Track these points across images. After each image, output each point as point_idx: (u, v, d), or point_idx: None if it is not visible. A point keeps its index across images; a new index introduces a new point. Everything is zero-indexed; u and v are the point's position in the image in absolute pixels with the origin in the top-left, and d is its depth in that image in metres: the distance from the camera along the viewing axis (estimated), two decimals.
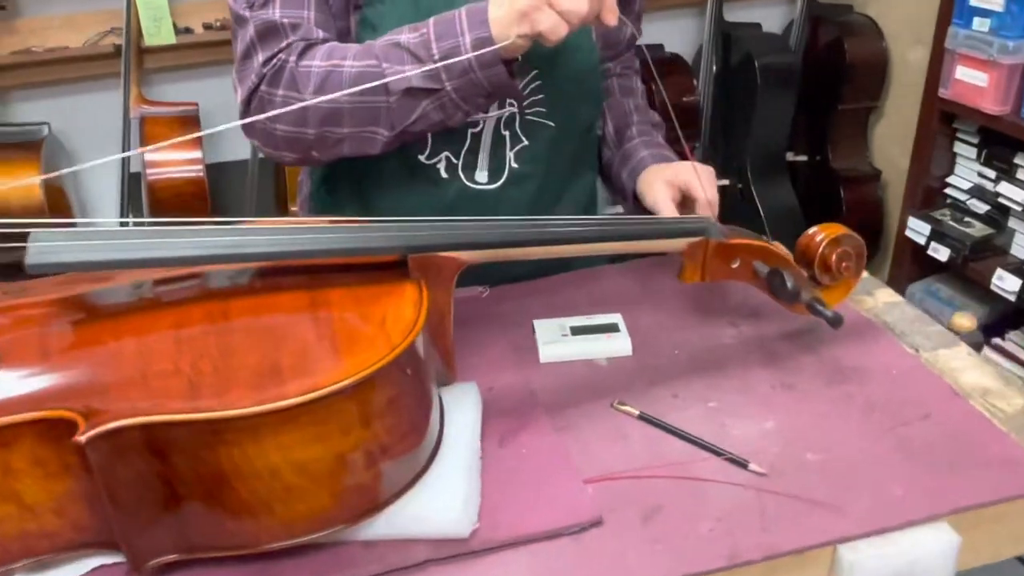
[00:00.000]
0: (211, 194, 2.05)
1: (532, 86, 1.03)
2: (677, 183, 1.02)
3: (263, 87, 0.90)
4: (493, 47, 0.84)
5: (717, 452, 0.83)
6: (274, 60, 0.90)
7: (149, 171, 2.01)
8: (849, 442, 0.85)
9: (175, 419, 0.64)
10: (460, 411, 0.85)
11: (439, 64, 0.85)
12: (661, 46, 2.53)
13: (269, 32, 0.90)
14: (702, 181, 0.99)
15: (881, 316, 1.06)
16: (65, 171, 1.79)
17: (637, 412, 0.89)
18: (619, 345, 1.00)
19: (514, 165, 1.06)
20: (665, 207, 1.00)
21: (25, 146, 1.96)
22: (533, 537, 0.75)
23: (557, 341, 1.00)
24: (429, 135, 1.01)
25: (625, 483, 0.81)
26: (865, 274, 1.15)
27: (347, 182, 1.09)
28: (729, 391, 0.93)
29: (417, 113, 0.89)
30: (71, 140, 2.12)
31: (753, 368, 0.96)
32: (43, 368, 0.69)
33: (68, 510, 0.68)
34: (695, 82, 2.42)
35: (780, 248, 0.94)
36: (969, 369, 0.96)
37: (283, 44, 0.90)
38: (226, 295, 0.77)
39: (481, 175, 1.05)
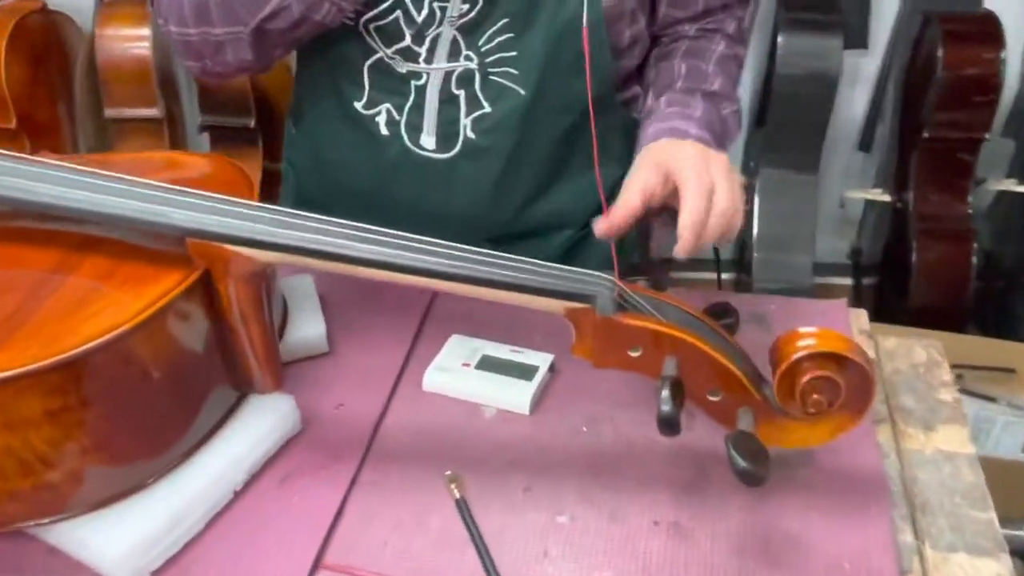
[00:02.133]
0: None
1: (500, 39, 0.80)
2: (664, 168, 0.72)
3: None
4: None
5: None
6: None
7: None
8: None
9: None
10: (247, 430, 0.72)
11: None
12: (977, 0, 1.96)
13: None
14: (698, 183, 0.70)
15: (913, 469, 0.71)
16: None
17: (459, 495, 0.69)
18: (517, 398, 0.78)
19: (470, 135, 0.85)
20: (630, 193, 0.72)
21: None
22: None
23: (452, 370, 0.81)
24: (366, 80, 0.83)
25: None
26: (951, 396, 0.79)
27: (302, 122, 0.95)
28: (598, 505, 0.68)
29: (271, 5, 0.74)
30: None
31: (655, 486, 0.70)
32: None
33: None
34: (1001, 54, 1.84)
35: (717, 348, 0.65)
36: None
37: None
38: None
39: (428, 140, 0.86)
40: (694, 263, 2.41)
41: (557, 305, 0.65)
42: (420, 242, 0.65)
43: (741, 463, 0.60)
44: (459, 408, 0.78)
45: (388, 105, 0.85)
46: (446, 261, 0.64)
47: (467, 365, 0.81)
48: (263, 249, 0.65)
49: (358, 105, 0.86)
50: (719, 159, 0.73)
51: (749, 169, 2.16)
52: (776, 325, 0.87)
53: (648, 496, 0.69)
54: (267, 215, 0.66)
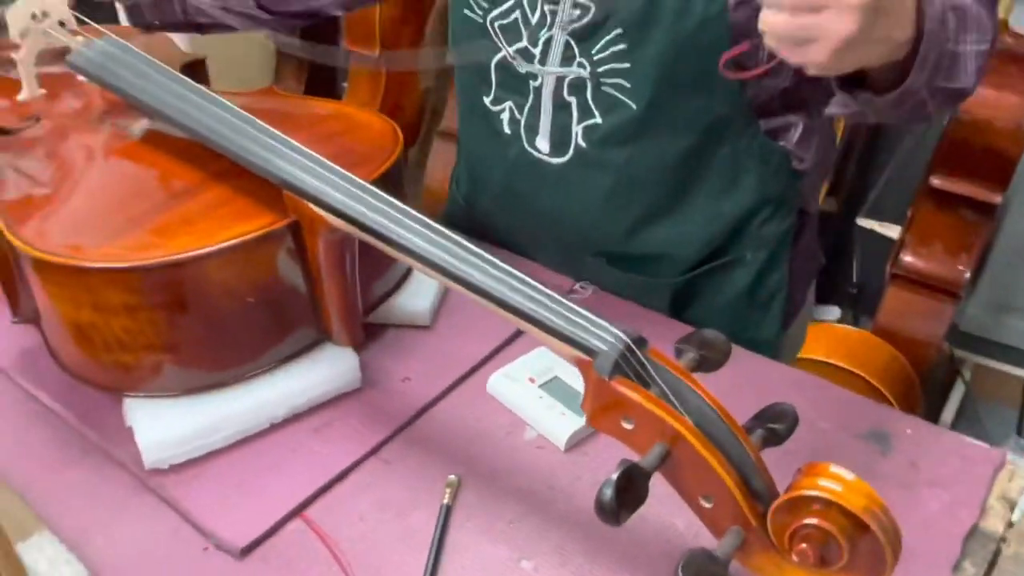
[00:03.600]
0: None
1: (613, 49, 0.75)
2: None
3: None
4: None
5: None
6: None
7: None
8: None
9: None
10: (305, 373, 0.77)
11: None
12: None
13: None
14: None
15: None
16: None
17: (447, 501, 0.69)
18: (559, 430, 0.75)
19: (582, 143, 0.82)
20: None
21: None
22: (182, 509, 0.69)
23: (517, 380, 0.79)
24: (493, 76, 0.84)
25: (323, 555, 0.66)
26: None
27: (460, 111, 0.97)
28: (569, 568, 0.64)
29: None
30: None
31: (640, 572, 0.64)
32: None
33: None
34: None
35: (718, 453, 0.56)
36: None
37: None
38: (154, 143, 0.83)
39: (543, 143, 0.85)
40: (1002, 350, 2.06)
41: (565, 349, 0.61)
42: (466, 249, 0.64)
43: None
44: (505, 419, 0.77)
45: (511, 103, 0.85)
46: (468, 268, 0.63)
47: (532, 381, 0.79)
48: (336, 216, 0.70)
49: (486, 100, 0.88)
50: None
51: None
52: (897, 452, 0.73)
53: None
54: (355, 190, 0.69)
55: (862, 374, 1.61)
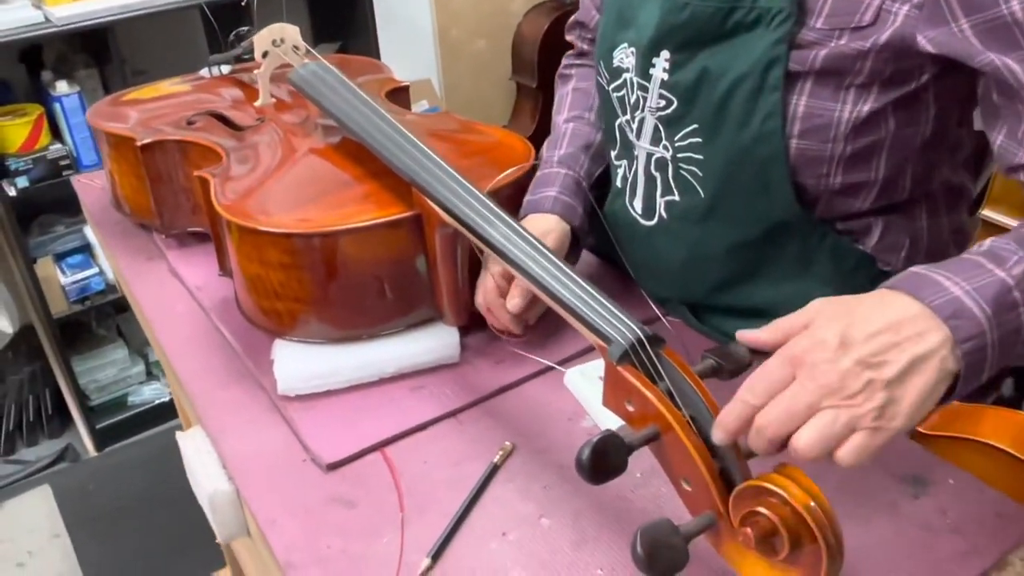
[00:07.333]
0: None
1: (691, 140, 0.84)
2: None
3: None
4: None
5: None
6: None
7: None
8: None
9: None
10: (413, 341, 0.93)
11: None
12: None
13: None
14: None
15: None
16: None
17: (497, 462, 0.80)
18: (612, 422, 0.82)
19: (663, 214, 0.91)
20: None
21: None
22: (296, 428, 0.86)
23: (589, 378, 0.89)
24: (617, 136, 0.94)
25: (388, 483, 0.80)
26: None
27: None
28: (577, 531, 0.73)
29: None
30: None
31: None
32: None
33: None
34: None
35: (689, 436, 0.63)
36: None
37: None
38: (342, 148, 1.04)
39: (637, 204, 0.94)
40: None
41: (588, 333, 0.71)
42: (528, 243, 0.77)
43: (637, 550, 0.60)
44: (569, 408, 0.88)
45: (625, 162, 0.95)
46: (521, 255, 0.76)
47: (602, 379, 0.89)
48: (441, 209, 0.85)
49: (612, 154, 0.98)
50: (914, 345, 0.56)
51: None
52: (929, 497, 0.75)
53: (624, 555, 0.72)
54: (460, 190, 0.84)
55: None
